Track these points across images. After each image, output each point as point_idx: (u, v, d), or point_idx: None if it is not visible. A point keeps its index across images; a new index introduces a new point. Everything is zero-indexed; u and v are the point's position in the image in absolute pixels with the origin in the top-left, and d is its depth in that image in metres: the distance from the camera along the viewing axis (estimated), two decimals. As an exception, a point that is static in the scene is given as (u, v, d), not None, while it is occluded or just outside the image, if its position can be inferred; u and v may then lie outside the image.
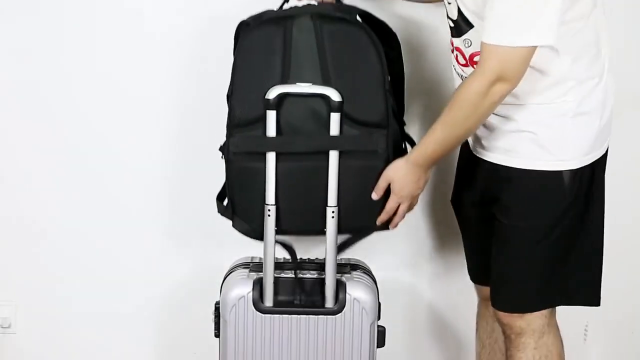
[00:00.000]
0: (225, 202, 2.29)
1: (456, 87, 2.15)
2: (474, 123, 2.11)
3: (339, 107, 2.16)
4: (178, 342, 2.87)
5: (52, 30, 2.67)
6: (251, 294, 2.25)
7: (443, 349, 2.91)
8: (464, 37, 2.17)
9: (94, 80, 2.70)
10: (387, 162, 2.21)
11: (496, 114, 2.17)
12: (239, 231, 2.29)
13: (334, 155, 2.18)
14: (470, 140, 2.30)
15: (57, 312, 2.84)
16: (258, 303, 2.25)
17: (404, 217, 2.27)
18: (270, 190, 2.21)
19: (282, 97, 2.17)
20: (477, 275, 2.48)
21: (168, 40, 2.68)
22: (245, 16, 2.27)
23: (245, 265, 2.37)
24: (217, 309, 2.30)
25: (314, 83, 2.17)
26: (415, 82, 2.63)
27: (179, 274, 2.82)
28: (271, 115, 2.17)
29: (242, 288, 2.26)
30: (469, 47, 2.16)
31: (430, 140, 2.15)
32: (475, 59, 2.13)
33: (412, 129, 2.35)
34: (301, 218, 2.24)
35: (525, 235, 2.18)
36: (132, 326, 2.84)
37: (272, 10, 2.24)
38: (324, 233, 2.23)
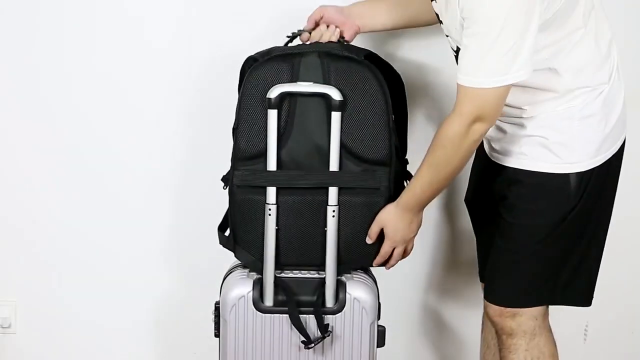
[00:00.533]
0: (227, 232, 2.32)
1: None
2: (458, 163, 2.13)
3: (340, 106, 2.18)
4: (178, 342, 2.87)
5: (52, 31, 2.67)
6: (251, 293, 2.25)
7: (443, 349, 2.91)
8: None
9: (94, 80, 2.70)
10: (389, 199, 2.24)
11: (507, 122, 2.20)
12: (241, 262, 2.31)
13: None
14: (485, 143, 2.32)
15: (57, 312, 2.84)
16: (258, 303, 2.25)
17: (399, 260, 2.30)
18: (272, 190, 2.22)
19: (284, 96, 2.18)
20: (483, 274, 2.48)
21: (168, 42, 2.69)
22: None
23: (245, 264, 2.37)
24: (217, 308, 2.29)
25: (319, 120, 2.20)
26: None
27: (179, 273, 2.82)
28: (272, 115, 2.18)
29: (242, 288, 2.26)
30: None
31: (417, 185, 2.19)
32: None
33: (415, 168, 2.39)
34: (301, 252, 2.26)
35: (526, 233, 2.20)
36: (132, 326, 2.84)
37: (280, 47, 2.28)
38: (323, 267, 2.25)
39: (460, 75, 2.04)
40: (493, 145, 2.28)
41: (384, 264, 2.31)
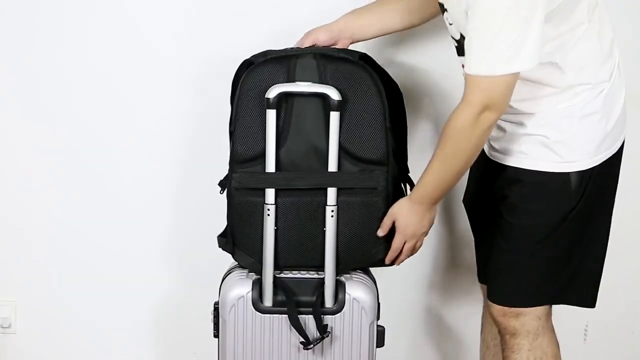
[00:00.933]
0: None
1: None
2: (469, 154, 2.12)
3: (338, 106, 2.18)
4: (178, 342, 2.87)
5: (52, 31, 2.67)
6: (250, 293, 2.25)
7: (443, 349, 2.91)
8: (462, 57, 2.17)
9: (94, 80, 2.70)
10: (387, 199, 2.24)
11: (507, 120, 2.19)
12: (240, 264, 2.31)
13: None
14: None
15: (57, 312, 2.85)
16: (257, 303, 2.25)
17: (408, 256, 2.29)
18: (270, 191, 2.22)
19: (282, 96, 2.19)
20: (484, 274, 2.48)
21: (168, 42, 2.69)
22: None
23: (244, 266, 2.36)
24: (216, 309, 2.29)
25: (316, 121, 2.21)
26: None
27: (179, 273, 2.82)
28: (271, 115, 2.18)
29: (241, 288, 2.26)
30: None
31: (428, 178, 2.18)
32: None
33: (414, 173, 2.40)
34: (300, 252, 2.26)
35: (527, 233, 2.19)
36: (132, 326, 2.84)
37: (275, 50, 2.28)
38: (322, 268, 2.25)
39: (468, 63, 2.03)
40: (493, 144, 2.27)
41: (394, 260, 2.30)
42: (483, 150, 2.32)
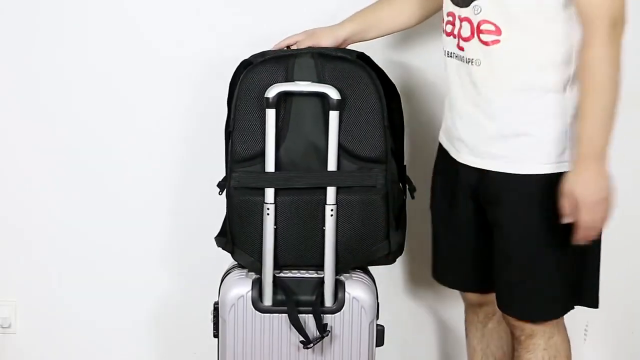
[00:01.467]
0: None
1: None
2: (618, 80, 2.00)
3: (338, 105, 2.18)
4: (178, 342, 2.87)
5: (52, 31, 2.67)
6: (250, 293, 2.25)
7: (442, 349, 2.91)
8: (474, 4, 2.12)
9: (94, 80, 2.71)
10: (386, 197, 2.24)
11: (489, 117, 2.14)
12: (240, 263, 2.31)
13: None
14: (456, 146, 2.25)
15: (57, 312, 2.85)
16: (257, 302, 2.25)
17: (593, 230, 2.08)
18: (270, 191, 2.22)
19: (281, 96, 2.19)
20: (464, 282, 2.44)
21: (168, 42, 2.69)
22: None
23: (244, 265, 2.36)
24: (215, 309, 2.29)
25: (314, 120, 2.21)
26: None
27: (178, 273, 2.82)
28: (270, 114, 2.19)
29: (241, 288, 2.26)
30: (478, 13, 2.12)
31: (586, 126, 2.02)
32: (482, 27, 2.10)
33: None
34: (300, 251, 2.27)
35: (534, 242, 2.15)
36: (132, 326, 2.85)
37: (273, 50, 2.30)
38: (322, 267, 2.25)
39: None
40: (474, 148, 2.20)
41: (388, 256, 2.28)
42: (456, 161, 2.26)
